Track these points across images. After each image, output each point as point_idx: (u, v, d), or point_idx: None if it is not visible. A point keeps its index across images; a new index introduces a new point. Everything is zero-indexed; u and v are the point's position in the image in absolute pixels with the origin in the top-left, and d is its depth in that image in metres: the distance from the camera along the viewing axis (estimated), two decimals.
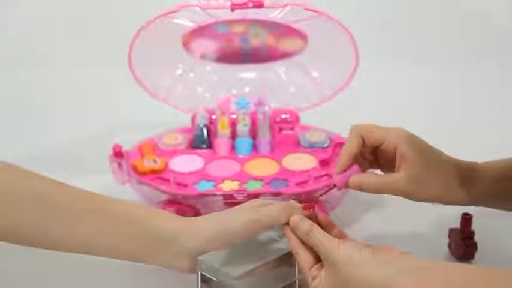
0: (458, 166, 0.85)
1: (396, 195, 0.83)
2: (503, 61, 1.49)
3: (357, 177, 0.82)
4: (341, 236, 0.79)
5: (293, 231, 0.79)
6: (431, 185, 0.82)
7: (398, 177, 0.81)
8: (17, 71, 1.48)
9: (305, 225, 0.78)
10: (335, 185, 0.83)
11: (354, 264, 0.73)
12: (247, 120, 1.08)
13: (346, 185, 0.83)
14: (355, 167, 0.83)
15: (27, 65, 1.49)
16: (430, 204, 0.84)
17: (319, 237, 0.76)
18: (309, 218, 0.80)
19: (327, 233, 0.78)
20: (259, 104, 1.09)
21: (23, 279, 0.91)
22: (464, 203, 0.86)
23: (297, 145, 1.08)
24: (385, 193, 0.83)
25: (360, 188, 0.82)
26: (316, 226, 0.78)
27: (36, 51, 1.53)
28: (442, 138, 1.28)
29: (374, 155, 0.86)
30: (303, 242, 0.78)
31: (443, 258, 0.94)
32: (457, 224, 0.95)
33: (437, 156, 0.84)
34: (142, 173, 1.01)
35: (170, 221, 0.81)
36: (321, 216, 0.82)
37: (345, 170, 0.83)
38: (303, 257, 0.77)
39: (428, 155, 0.83)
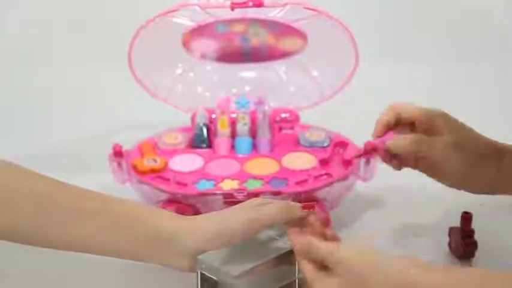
0: (489, 144, 0.85)
1: (427, 164, 0.82)
2: (503, 61, 1.49)
3: (394, 139, 0.83)
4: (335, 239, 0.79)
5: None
6: (463, 157, 0.82)
7: (436, 139, 0.82)
8: (17, 71, 1.48)
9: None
10: (372, 149, 0.82)
11: (363, 256, 0.72)
12: (247, 120, 1.08)
13: (383, 150, 0.83)
14: (391, 133, 0.83)
15: (27, 65, 1.49)
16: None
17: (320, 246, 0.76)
18: (308, 217, 0.80)
19: (323, 231, 0.78)
20: (259, 103, 1.09)
21: (23, 279, 0.91)
22: (488, 187, 0.85)
23: (296, 144, 1.08)
24: (419, 155, 0.82)
25: (397, 149, 0.82)
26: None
27: (36, 51, 1.53)
28: None
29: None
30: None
31: (443, 257, 0.94)
32: (457, 223, 0.95)
33: (471, 131, 0.85)
34: (142, 173, 1.01)
35: (170, 221, 0.81)
36: (320, 215, 0.82)
37: (380, 136, 0.82)
38: None
39: (462, 129, 0.84)
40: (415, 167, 0.88)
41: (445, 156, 0.81)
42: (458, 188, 0.87)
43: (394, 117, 0.85)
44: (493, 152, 0.84)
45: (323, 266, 0.75)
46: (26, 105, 1.38)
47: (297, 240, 0.78)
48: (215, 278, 0.79)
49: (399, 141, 0.83)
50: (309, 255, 0.76)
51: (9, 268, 0.92)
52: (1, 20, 1.56)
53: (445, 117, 0.84)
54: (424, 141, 0.82)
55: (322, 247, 0.75)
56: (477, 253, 0.93)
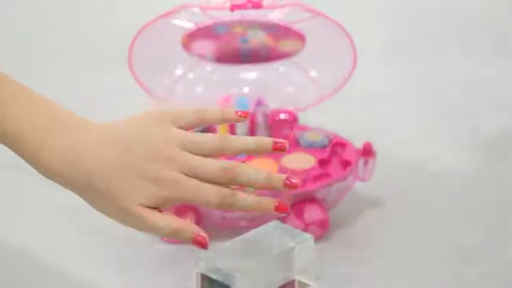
0: None
1: None
2: (503, 60, 1.49)
3: None
4: None
5: None
6: None
7: None
8: (17, 71, 1.47)
9: None
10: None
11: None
12: (246, 120, 1.08)
13: None
14: None
15: (27, 65, 1.49)
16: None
17: None
18: None
19: None
20: (258, 104, 1.09)
21: (23, 279, 0.92)
22: None
23: (296, 145, 1.08)
24: None
25: None
26: None
27: (36, 51, 1.53)
28: (440, 138, 1.29)
29: None
30: None
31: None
32: None
33: None
34: None
35: None
36: None
37: None
38: None
39: None
40: None
41: None
42: None
43: None
44: None
45: None
46: None
47: None
48: (215, 278, 0.79)
49: None
50: None
51: (9, 268, 0.93)
52: (1, 20, 1.56)
53: None
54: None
55: None
56: None
